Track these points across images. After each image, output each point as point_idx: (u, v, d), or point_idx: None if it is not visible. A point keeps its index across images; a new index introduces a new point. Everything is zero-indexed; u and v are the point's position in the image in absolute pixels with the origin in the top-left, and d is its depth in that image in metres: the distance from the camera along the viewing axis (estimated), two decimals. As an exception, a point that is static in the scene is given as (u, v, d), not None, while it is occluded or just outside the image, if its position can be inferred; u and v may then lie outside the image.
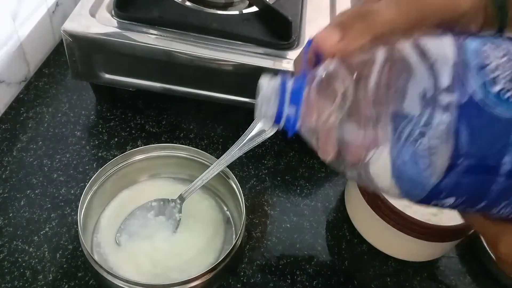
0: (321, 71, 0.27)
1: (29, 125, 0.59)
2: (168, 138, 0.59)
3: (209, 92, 0.57)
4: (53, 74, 0.66)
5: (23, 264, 0.46)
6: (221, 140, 0.60)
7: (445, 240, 0.47)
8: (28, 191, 0.52)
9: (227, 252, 0.42)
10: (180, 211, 0.48)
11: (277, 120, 0.28)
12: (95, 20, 0.54)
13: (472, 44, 0.27)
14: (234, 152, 0.46)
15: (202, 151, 0.50)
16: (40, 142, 0.57)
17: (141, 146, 0.52)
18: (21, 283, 0.45)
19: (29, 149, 0.56)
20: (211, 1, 0.60)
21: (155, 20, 0.55)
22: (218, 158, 0.47)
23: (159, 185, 0.52)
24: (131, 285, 0.39)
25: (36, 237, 0.48)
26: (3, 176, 0.53)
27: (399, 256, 0.51)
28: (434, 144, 0.26)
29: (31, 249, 0.47)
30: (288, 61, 0.54)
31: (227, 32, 0.55)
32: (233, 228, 0.49)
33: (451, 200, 0.28)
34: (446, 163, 0.26)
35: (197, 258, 0.46)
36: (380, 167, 0.27)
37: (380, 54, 0.27)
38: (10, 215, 0.50)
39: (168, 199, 0.49)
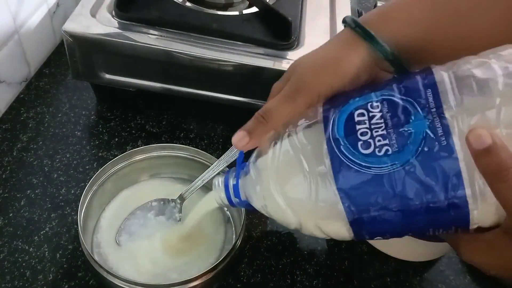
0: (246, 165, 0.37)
1: (30, 125, 0.59)
2: (168, 138, 0.60)
3: (209, 92, 0.57)
4: (53, 74, 0.66)
5: (23, 264, 0.46)
6: (221, 140, 0.60)
7: (445, 240, 0.47)
8: (28, 191, 0.52)
9: (227, 252, 0.42)
10: (180, 211, 0.48)
11: (232, 205, 0.39)
12: (96, 21, 0.55)
13: (345, 113, 0.30)
14: (234, 152, 0.46)
15: (202, 151, 0.50)
16: (41, 142, 0.57)
17: (141, 146, 0.52)
18: (21, 283, 0.45)
19: (29, 149, 0.56)
20: (211, 1, 0.60)
21: (155, 20, 0.55)
22: (218, 158, 0.47)
23: (159, 185, 0.52)
24: (131, 285, 0.39)
25: (36, 237, 0.48)
26: (3, 176, 0.53)
27: (399, 256, 0.51)
28: (328, 211, 0.30)
29: (31, 249, 0.47)
30: (288, 62, 0.54)
31: (227, 32, 0.55)
32: (233, 228, 0.49)
33: (379, 238, 0.31)
34: (346, 222, 0.30)
35: (197, 258, 0.46)
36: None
37: (272, 148, 0.33)
38: (10, 215, 0.50)
39: (168, 199, 0.49)
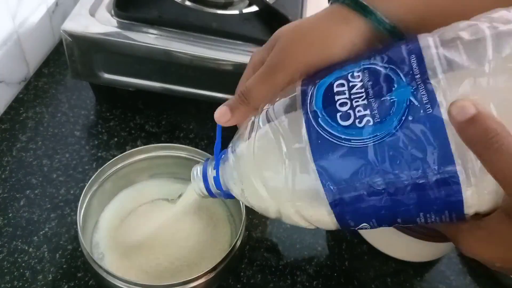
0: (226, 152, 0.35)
1: (29, 125, 0.59)
2: (168, 138, 0.59)
3: (209, 92, 0.57)
4: (52, 74, 0.66)
5: (23, 264, 0.46)
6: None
7: (445, 240, 0.47)
8: (28, 191, 0.52)
9: (227, 252, 0.41)
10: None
11: (212, 196, 0.37)
12: (95, 20, 0.54)
13: (324, 85, 0.29)
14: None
15: (202, 151, 0.50)
16: (40, 142, 0.57)
17: (141, 146, 0.52)
18: (21, 283, 0.45)
19: (29, 149, 0.56)
20: (211, 0, 0.59)
21: (155, 19, 0.55)
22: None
23: (159, 185, 0.52)
24: (130, 285, 0.39)
25: (35, 237, 0.48)
26: (3, 176, 0.53)
27: (399, 256, 0.51)
28: (308, 192, 0.28)
29: (30, 249, 0.47)
30: (288, 61, 0.54)
31: (227, 31, 0.55)
32: (234, 228, 0.49)
33: (366, 226, 0.29)
34: (326, 203, 0.28)
35: (197, 258, 0.45)
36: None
37: (248, 127, 0.32)
38: (10, 215, 0.49)
39: (168, 199, 0.48)
